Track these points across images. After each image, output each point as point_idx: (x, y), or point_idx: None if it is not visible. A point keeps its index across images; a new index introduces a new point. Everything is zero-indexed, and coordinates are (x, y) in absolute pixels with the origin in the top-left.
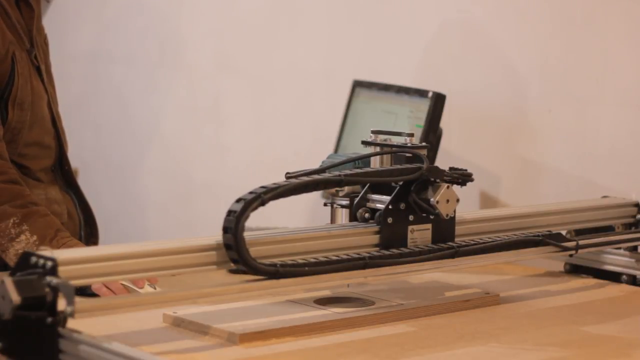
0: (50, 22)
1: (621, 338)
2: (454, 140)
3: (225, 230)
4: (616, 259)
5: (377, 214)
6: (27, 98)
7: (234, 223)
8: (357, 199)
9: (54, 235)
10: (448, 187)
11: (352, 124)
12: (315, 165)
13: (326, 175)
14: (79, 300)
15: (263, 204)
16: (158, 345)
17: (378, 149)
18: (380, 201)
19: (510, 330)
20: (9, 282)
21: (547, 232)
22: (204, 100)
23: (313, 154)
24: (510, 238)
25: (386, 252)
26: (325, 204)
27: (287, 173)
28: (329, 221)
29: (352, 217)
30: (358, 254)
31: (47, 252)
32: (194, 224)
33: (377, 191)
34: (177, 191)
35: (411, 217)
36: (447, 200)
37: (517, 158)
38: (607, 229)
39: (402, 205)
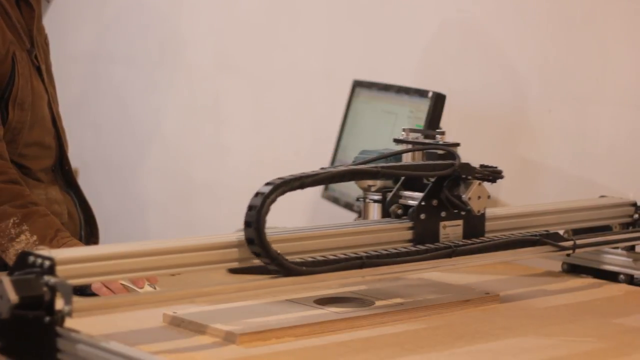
0: (50, 22)
1: (621, 337)
2: (453, 140)
3: (256, 194)
4: (613, 259)
5: (410, 210)
6: (28, 98)
7: (269, 191)
8: (390, 196)
9: (54, 235)
10: (479, 184)
11: (352, 124)
12: (316, 165)
13: (363, 166)
14: (77, 300)
15: (302, 187)
16: (157, 345)
17: (410, 146)
18: (413, 198)
19: (510, 330)
20: (6, 281)
21: (545, 232)
22: (204, 100)
23: (313, 154)
24: (507, 238)
25: (383, 252)
26: (357, 199)
27: (322, 168)
28: (330, 219)
29: (385, 213)
30: (355, 254)
31: (44, 251)
32: (194, 224)
33: (409, 188)
34: (177, 191)
35: (443, 214)
36: (479, 197)
37: (517, 158)
38: (605, 229)
39: (435, 202)
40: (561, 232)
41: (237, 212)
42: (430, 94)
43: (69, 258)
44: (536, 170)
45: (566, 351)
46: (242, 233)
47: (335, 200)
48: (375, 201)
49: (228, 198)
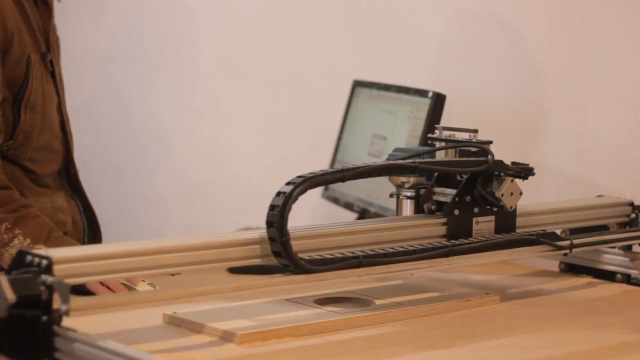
0: None
1: (620, 337)
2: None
3: (287, 182)
4: (611, 258)
5: (444, 206)
6: (39, 101)
7: (301, 181)
8: (423, 193)
9: (47, 237)
10: (512, 180)
11: (352, 124)
12: (316, 166)
13: (402, 161)
14: (74, 299)
15: (343, 180)
16: (157, 344)
17: (443, 144)
18: (446, 194)
19: (510, 330)
20: (4, 280)
21: (542, 231)
22: (204, 100)
23: (313, 154)
24: (504, 237)
25: (380, 251)
26: (391, 195)
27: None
28: (330, 219)
29: (419, 209)
30: (352, 253)
31: (42, 250)
32: (194, 224)
33: (442, 184)
34: (177, 191)
35: (476, 209)
36: (511, 193)
37: (517, 158)
38: (602, 228)
39: (468, 198)
40: (558, 231)
41: (237, 212)
42: (430, 94)
43: (67, 257)
44: (536, 169)
45: (566, 351)
46: (241, 233)
47: (335, 201)
48: (408, 197)
49: (228, 198)
